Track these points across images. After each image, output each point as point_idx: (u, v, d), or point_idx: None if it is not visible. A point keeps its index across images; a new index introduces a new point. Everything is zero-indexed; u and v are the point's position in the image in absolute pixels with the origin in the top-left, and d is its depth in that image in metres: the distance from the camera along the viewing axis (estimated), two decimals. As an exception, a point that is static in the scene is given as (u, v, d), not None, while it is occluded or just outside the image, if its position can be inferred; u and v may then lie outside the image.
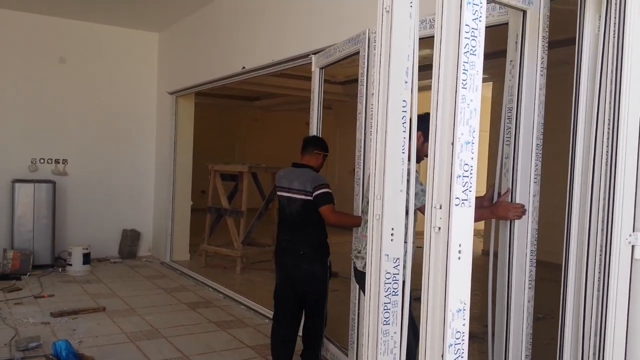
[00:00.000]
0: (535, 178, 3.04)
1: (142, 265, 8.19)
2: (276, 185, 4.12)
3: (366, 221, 2.95)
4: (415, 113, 2.35)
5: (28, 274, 7.15)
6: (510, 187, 3.08)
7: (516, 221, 3.03)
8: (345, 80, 9.91)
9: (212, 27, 7.21)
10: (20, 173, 7.90)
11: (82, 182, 8.41)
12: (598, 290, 2.48)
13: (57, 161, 8.25)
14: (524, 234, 3.03)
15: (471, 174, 1.79)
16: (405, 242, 2.39)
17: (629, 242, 2.45)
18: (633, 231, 2.46)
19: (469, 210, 1.79)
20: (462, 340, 1.79)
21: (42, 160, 8.14)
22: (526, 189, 3.03)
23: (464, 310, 1.78)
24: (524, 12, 2.94)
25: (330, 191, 3.88)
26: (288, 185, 3.97)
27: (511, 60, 3.08)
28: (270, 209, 8.36)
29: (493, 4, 3.06)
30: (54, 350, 3.65)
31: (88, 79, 8.42)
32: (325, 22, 4.96)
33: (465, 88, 1.76)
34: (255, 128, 15.58)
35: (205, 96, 10.08)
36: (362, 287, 3.30)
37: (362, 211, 3.38)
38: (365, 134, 4.02)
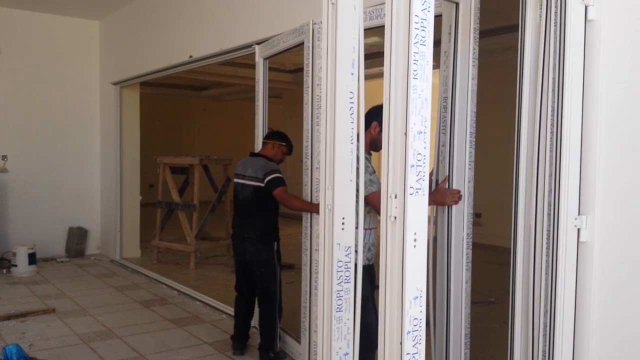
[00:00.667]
0: (469, 165, 3.20)
1: (91, 264, 8.03)
2: (235, 173, 4.40)
3: None
4: (362, 104, 2.41)
5: (-31, 277, 6.93)
6: (447, 174, 3.20)
7: (453, 206, 3.16)
8: (295, 68, 9.91)
9: (156, 15, 7.09)
10: (-43, 172, 7.62)
11: (23, 179, 8.15)
12: (546, 273, 2.60)
13: (-5, 157, 7.99)
14: (460, 218, 3.19)
15: (424, 163, 1.85)
16: (356, 228, 2.47)
17: (575, 226, 2.58)
18: (579, 214, 2.59)
19: (423, 199, 1.85)
20: (420, 327, 1.85)
21: (-21, 158, 7.87)
22: (462, 176, 3.20)
23: (421, 297, 1.84)
24: (457, 4, 3.09)
25: (282, 176, 4.16)
26: (242, 173, 4.29)
27: (445, 51, 3.19)
28: (223, 202, 8.31)
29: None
30: (4, 356, 3.56)
31: (26, 71, 8.14)
32: (270, 13, 4.97)
33: (417, 78, 1.81)
34: (204, 118, 15.41)
35: (151, 86, 9.92)
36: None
37: None
38: (312, 124, 4.11)
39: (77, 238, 8.47)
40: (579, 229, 2.59)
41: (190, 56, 5.99)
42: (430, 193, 3.15)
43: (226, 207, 8.29)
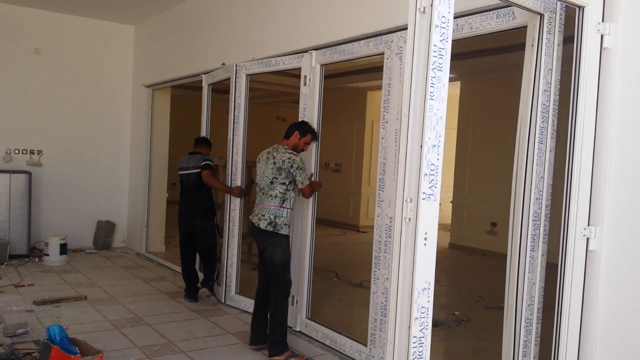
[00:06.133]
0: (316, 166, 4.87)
1: (118, 256, 8.40)
2: (178, 168, 6.08)
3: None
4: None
5: (5, 263, 7.32)
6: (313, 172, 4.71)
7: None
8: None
9: (190, 23, 7.45)
10: (-5, 163, 8.06)
11: (56, 173, 8.57)
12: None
13: (31, 152, 8.40)
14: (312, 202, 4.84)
15: (437, 172, 2.13)
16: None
17: (584, 235, 2.84)
18: (588, 225, 2.85)
19: (435, 204, 2.13)
20: (427, 314, 2.13)
21: (16, 151, 8.28)
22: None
23: (429, 289, 2.12)
24: (322, 66, 4.87)
25: (211, 164, 5.84)
26: (186, 166, 5.99)
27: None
28: (246, 202, 8.59)
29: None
30: (48, 335, 3.85)
31: (63, 71, 8.57)
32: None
33: (433, 99, 2.09)
34: (227, 121, 15.69)
35: (176, 88, 10.24)
36: (256, 240, 4.59)
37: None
38: (233, 134, 5.88)
39: (105, 231, 8.86)
40: (587, 239, 2.84)
41: (223, 64, 6.31)
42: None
43: (249, 207, 8.56)
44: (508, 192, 3.37)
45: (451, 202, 9.97)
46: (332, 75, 8.40)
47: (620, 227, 2.79)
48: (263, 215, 4.43)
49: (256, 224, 4.47)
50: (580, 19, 2.80)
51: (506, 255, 3.56)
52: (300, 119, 4.91)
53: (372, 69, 7.79)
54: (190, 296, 6.01)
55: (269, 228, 4.39)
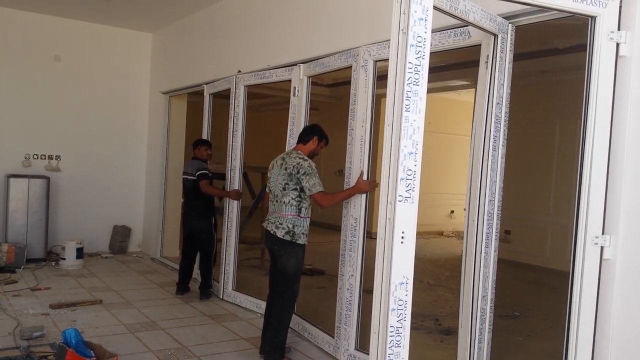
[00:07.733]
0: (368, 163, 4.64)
1: (133, 261, 8.81)
2: (183, 172, 6.97)
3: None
4: (369, 143, 4.49)
5: (22, 267, 7.75)
6: (365, 170, 4.56)
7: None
8: (332, 83, 10.50)
9: (207, 30, 7.84)
10: (14, 168, 8.51)
11: (74, 179, 9.02)
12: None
13: (50, 157, 8.86)
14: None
15: (414, 177, 2.43)
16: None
17: (596, 243, 2.95)
18: (602, 233, 2.96)
19: (412, 206, 2.43)
20: (405, 307, 2.42)
21: (35, 156, 8.74)
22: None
23: (407, 283, 2.42)
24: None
25: (207, 172, 6.62)
26: (186, 171, 6.85)
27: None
28: (260, 208, 8.94)
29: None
30: (63, 338, 4.10)
31: (82, 77, 9.04)
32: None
33: (409, 111, 2.41)
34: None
35: (192, 95, 10.64)
36: (271, 248, 4.66)
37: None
38: (241, 143, 6.68)
39: (120, 236, 9.29)
40: (602, 247, 2.95)
41: (239, 71, 6.68)
42: (355, 185, 4.56)
43: (263, 213, 8.89)
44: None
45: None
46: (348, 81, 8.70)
47: (637, 235, 2.84)
48: (281, 224, 4.50)
49: (272, 232, 4.54)
50: (592, 29, 2.96)
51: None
52: (289, 128, 5.61)
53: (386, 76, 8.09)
54: (180, 289, 6.83)
55: (287, 237, 4.47)
